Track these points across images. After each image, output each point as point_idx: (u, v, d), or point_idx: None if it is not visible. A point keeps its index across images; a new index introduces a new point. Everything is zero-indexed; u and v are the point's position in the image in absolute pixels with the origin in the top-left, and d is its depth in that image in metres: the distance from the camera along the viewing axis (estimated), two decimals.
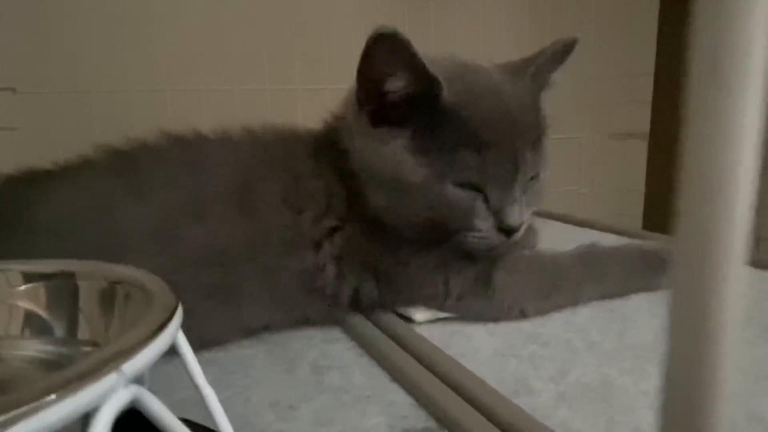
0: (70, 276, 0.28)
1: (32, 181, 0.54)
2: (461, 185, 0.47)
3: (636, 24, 1.18)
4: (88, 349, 0.26)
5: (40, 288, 0.28)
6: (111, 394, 0.18)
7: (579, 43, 0.53)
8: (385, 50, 0.44)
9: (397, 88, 0.47)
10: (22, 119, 0.79)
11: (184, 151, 0.53)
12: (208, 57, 0.90)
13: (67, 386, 0.17)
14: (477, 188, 0.48)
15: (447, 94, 0.46)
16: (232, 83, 0.92)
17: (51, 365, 0.26)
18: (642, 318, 0.51)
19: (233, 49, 0.91)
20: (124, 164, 0.53)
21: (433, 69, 0.45)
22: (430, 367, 0.42)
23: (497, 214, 0.48)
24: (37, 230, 0.47)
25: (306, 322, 0.52)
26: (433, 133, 0.47)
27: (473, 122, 0.47)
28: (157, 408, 0.21)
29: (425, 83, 0.46)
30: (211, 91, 0.90)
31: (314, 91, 0.96)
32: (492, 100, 0.48)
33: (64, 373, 0.18)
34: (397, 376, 0.42)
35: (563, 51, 0.53)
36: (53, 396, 0.16)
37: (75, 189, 0.50)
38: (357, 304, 0.52)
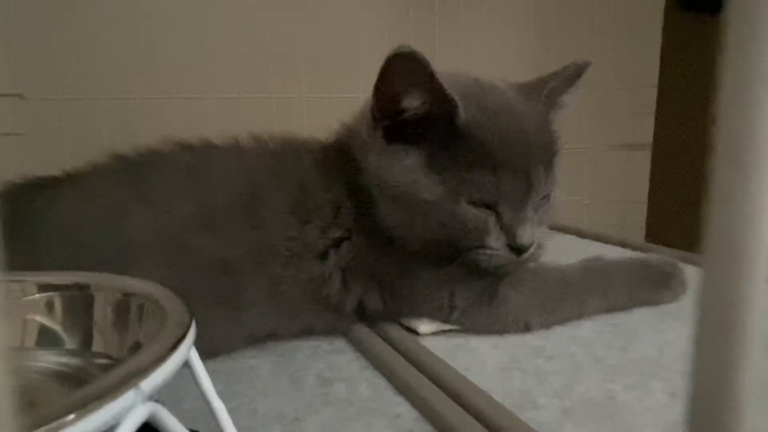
0: (84, 288, 0.28)
1: (39, 188, 0.54)
2: (475, 203, 0.48)
3: (640, 36, 1.18)
4: (102, 361, 0.27)
5: (55, 299, 0.28)
6: (129, 411, 0.18)
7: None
8: (403, 69, 0.45)
9: (413, 106, 0.47)
10: (29, 125, 0.80)
11: (192, 160, 0.54)
12: (214, 65, 0.90)
13: (86, 405, 0.17)
14: (490, 207, 0.48)
15: (463, 113, 0.47)
16: (238, 91, 0.92)
17: (65, 377, 0.26)
18: (646, 332, 0.51)
19: (239, 58, 0.92)
20: (132, 172, 0.53)
21: (449, 88, 0.46)
22: (436, 381, 0.42)
23: (509, 233, 0.48)
24: (44, 238, 0.47)
25: (311, 331, 0.52)
26: (448, 152, 0.47)
27: (488, 142, 0.47)
28: (172, 424, 0.21)
29: (442, 103, 0.46)
30: (216, 99, 0.91)
31: (319, 100, 0.97)
32: (507, 121, 0.49)
33: (83, 391, 0.18)
34: (402, 388, 0.43)
35: (576, 74, 0.53)
36: (73, 415, 0.17)
37: (82, 196, 0.51)
38: (362, 315, 0.52)
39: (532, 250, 0.50)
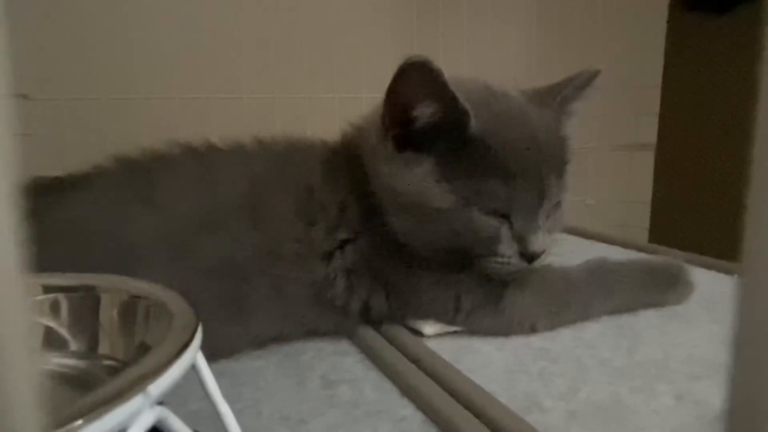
0: (91, 290, 0.28)
1: (44, 189, 0.54)
2: (487, 212, 0.47)
3: (644, 36, 1.18)
4: (108, 363, 0.27)
5: (61, 301, 0.28)
6: (137, 415, 0.18)
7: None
8: (415, 78, 0.45)
9: (425, 115, 0.46)
10: (34, 126, 0.80)
11: (196, 162, 0.54)
12: (218, 65, 0.91)
13: (94, 410, 0.17)
14: (502, 215, 0.48)
15: (475, 122, 0.47)
16: (241, 91, 0.92)
17: (72, 380, 0.26)
18: (651, 334, 0.51)
19: (243, 58, 0.92)
20: (137, 174, 0.53)
21: (461, 96, 0.45)
22: (441, 383, 0.42)
23: (521, 241, 0.48)
24: (47, 239, 0.47)
25: (316, 333, 0.52)
26: (460, 160, 0.47)
27: (501, 151, 0.47)
28: (180, 428, 0.21)
29: (454, 112, 0.46)
30: (221, 99, 0.91)
31: (322, 100, 0.97)
32: (519, 129, 0.48)
33: (90, 396, 0.18)
34: (407, 390, 0.42)
35: (586, 82, 0.53)
36: (80, 421, 0.17)
37: (87, 198, 0.50)
38: (367, 317, 0.52)
39: (543, 257, 0.50)
